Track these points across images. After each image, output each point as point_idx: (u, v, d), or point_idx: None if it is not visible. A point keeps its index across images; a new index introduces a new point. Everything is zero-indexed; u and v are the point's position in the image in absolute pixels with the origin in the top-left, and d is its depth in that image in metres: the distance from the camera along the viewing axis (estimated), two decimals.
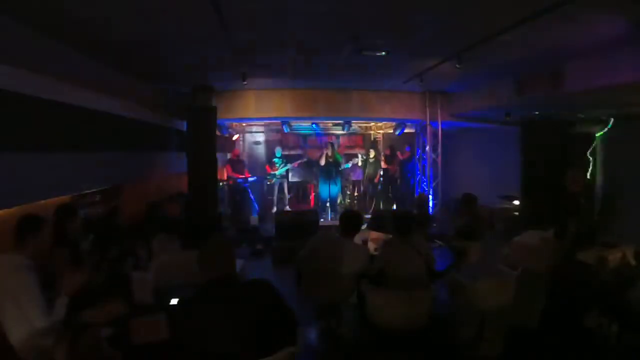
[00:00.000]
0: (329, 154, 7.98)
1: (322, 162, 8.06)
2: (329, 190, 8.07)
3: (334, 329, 3.51)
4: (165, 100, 6.26)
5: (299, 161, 8.95)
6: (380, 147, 10.11)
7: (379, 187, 9.06)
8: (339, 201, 8.83)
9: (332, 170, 8.00)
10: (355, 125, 9.25)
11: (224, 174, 8.08)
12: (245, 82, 5.35)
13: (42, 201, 3.08)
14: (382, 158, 8.97)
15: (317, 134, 9.56)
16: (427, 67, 4.93)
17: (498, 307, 3.16)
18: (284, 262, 5.34)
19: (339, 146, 10.44)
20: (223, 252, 1.89)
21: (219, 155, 6.14)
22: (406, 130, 8.53)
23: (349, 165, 9.07)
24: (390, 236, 3.40)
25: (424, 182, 8.20)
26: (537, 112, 6.27)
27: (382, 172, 8.94)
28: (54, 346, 2.05)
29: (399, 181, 8.90)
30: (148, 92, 5.72)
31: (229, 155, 8.53)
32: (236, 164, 8.09)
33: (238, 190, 7.97)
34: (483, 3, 2.88)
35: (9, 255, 2.13)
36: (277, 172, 8.45)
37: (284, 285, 2.39)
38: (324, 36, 3.74)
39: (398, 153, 8.90)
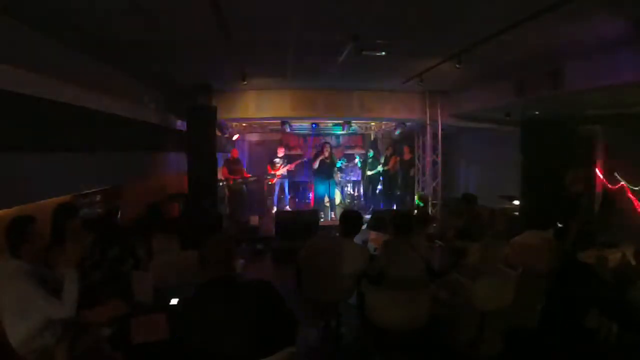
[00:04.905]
0: (326, 154, 7.96)
1: (316, 165, 8.00)
2: (327, 189, 8.06)
3: (334, 329, 3.51)
4: (165, 100, 6.26)
5: (297, 161, 8.94)
6: (380, 147, 10.11)
7: (379, 187, 9.05)
8: (338, 201, 8.82)
9: (330, 170, 7.99)
10: (355, 125, 9.25)
11: (221, 174, 8.06)
12: (245, 82, 5.35)
13: (42, 201, 3.08)
14: (382, 159, 8.97)
15: (314, 134, 9.52)
16: (427, 67, 4.93)
17: (498, 307, 3.16)
18: (284, 262, 5.34)
19: (338, 145, 10.45)
20: (223, 251, 1.89)
21: (218, 155, 6.15)
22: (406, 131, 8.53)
23: (341, 163, 9.03)
24: (390, 236, 3.40)
25: (424, 182, 8.20)
26: (537, 112, 6.27)
27: (382, 172, 8.94)
28: (55, 346, 2.05)
29: (399, 181, 8.89)
30: (148, 92, 5.72)
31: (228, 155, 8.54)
32: (234, 164, 8.07)
33: (237, 190, 7.96)
34: (483, 3, 2.88)
35: (7, 262, 2.11)
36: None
37: (284, 285, 2.39)
38: (324, 36, 3.74)
39: (405, 154, 8.87)
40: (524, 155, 6.74)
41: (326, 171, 7.93)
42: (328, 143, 8.26)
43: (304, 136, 10.37)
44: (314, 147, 9.89)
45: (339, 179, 9.14)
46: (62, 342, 2.07)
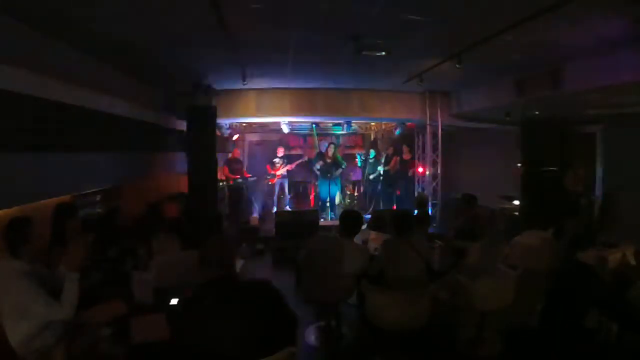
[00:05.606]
0: (330, 154, 7.97)
1: (317, 167, 8.04)
2: (328, 190, 8.07)
3: (334, 329, 3.52)
4: (165, 100, 6.26)
5: (298, 161, 8.94)
6: (380, 147, 10.10)
7: (379, 187, 9.05)
8: (337, 201, 8.82)
9: (332, 171, 7.99)
10: (355, 124, 9.27)
11: (222, 173, 8.07)
12: (245, 82, 5.35)
13: (42, 201, 3.08)
14: (383, 159, 8.97)
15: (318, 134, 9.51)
16: (427, 67, 4.93)
17: (498, 307, 3.16)
18: (284, 262, 5.35)
19: (338, 145, 10.44)
20: (223, 251, 1.89)
21: (219, 155, 6.14)
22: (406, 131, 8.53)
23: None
24: (390, 236, 3.40)
25: (424, 182, 8.20)
26: (537, 112, 6.27)
27: (382, 172, 8.94)
28: (54, 346, 2.05)
29: (399, 181, 8.88)
30: (148, 92, 5.72)
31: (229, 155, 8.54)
32: (234, 164, 8.08)
33: (237, 190, 7.97)
34: (483, 3, 2.88)
35: (6, 262, 2.11)
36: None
37: (284, 285, 2.39)
38: (324, 36, 3.74)
39: (404, 153, 8.87)
40: (524, 155, 6.74)
41: (330, 171, 7.93)
42: (333, 143, 8.26)
43: (304, 136, 10.37)
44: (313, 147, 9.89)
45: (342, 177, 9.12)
46: (61, 343, 2.07)
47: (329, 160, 7.95)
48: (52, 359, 2.04)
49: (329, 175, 7.96)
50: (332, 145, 8.09)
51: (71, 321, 2.09)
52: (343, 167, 8.32)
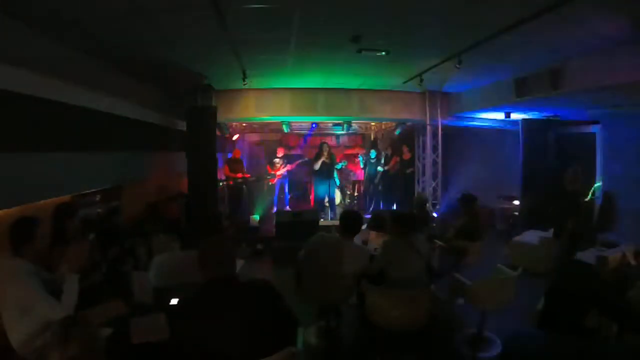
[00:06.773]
0: (325, 154, 7.96)
1: (317, 167, 8.03)
2: (328, 189, 8.06)
3: (334, 329, 3.51)
4: (165, 100, 6.26)
5: (298, 161, 8.94)
6: (381, 147, 10.10)
7: (379, 187, 9.05)
8: (338, 201, 8.82)
9: (330, 170, 7.99)
10: (355, 125, 9.26)
11: (221, 174, 8.06)
12: (245, 83, 5.36)
13: (42, 201, 3.08)
14: (382, 160, 8.96)
15: (309, 135, 9.51)
16: (427, 67, 4.93)
17: (498, 307, 3.16)
18: (284, 262, 5.34)
19: (338, 145, 10.44)
20: (223, 252, 1.89)
21: (218, 155, 6.15)
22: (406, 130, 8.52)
23: (342, 166, 9.05)
24: (390, 236, 3.40)
25: (424, 182, 8.20)
26: (537, 112, 6.27)
27: (381, 172, 8.94)
28: (54, 346, 2.05)
29: (399, 181, 8.88)
30: (148, 92, 5.71)
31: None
32: (234, 164, 8.08)
33: (237, 190, 7.97)
34: (483, 3, 2.88)
35: (9, 260, 2.12)
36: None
37: (284, 285, 2.39)
38: (323, 36, 3.74)
39: (404, 153, 8.87)
40: (524, 155, 6.74)
41: (326, 171, 7.93)
42: (326, 143, 8.25)
43: (304, 136, 10.38)
44: (313, 147, 9.88)
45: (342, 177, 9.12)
46: (60, 342, 2.07)
47: (327, 161, 7.95)
48: (52, 358, 2.04)
49: (326, 175, 7.96)
50: (325, 145, 8.07)
51: (71, 321, 2.09)
52: (338, 167, 8.31)
